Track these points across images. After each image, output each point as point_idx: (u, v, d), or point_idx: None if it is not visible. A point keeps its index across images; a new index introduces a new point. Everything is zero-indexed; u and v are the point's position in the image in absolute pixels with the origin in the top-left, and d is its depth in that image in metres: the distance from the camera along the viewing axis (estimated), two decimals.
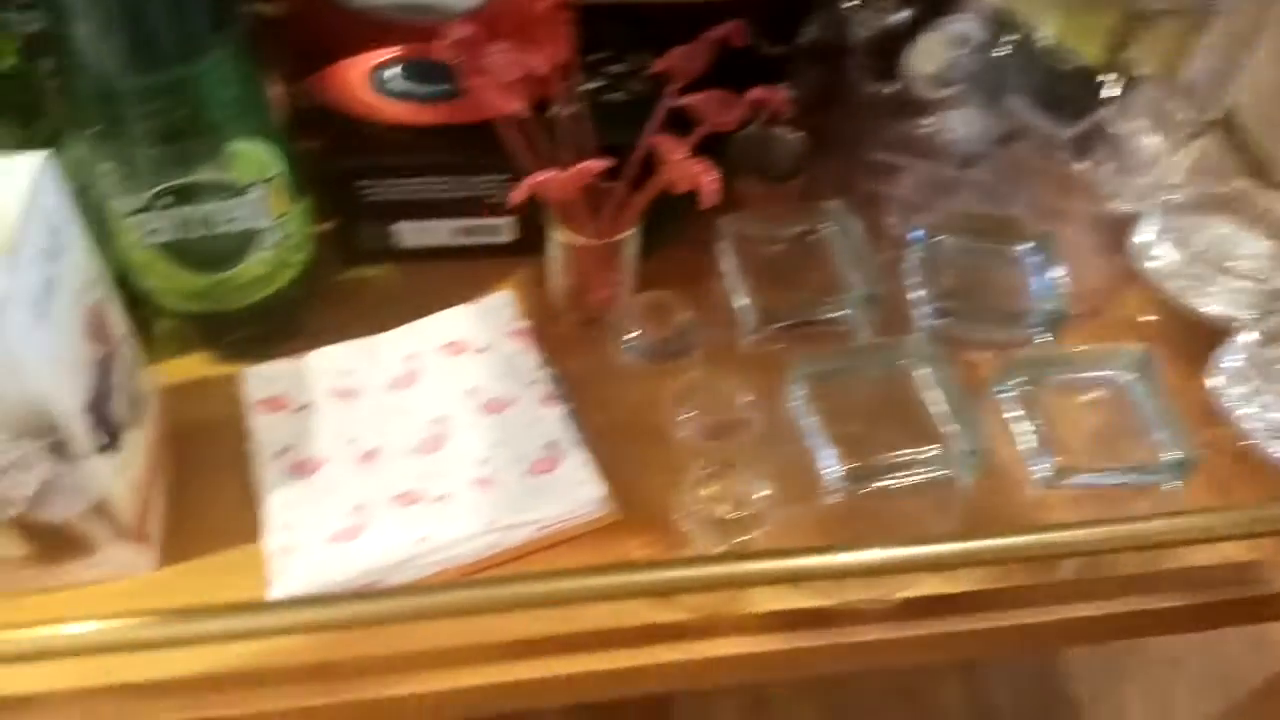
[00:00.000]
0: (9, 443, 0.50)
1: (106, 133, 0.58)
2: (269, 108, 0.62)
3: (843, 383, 0.58)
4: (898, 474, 0.54)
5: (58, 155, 0.62)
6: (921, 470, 0.54)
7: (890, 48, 0.76)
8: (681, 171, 0.58)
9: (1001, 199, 0.80)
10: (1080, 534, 0.49)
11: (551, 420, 0.66)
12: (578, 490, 0.62)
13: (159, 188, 0.59)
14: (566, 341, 0.74)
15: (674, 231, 0.80)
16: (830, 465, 0.53)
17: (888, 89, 0.79)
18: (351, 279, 0.80)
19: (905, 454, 0.54)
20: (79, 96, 0.57)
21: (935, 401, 0.57)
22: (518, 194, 0.63)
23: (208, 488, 0.65)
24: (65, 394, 0.51)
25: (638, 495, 0.64)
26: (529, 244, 0.79)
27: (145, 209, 0.60)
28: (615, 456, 0.66)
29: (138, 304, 0.68)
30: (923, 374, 0.58)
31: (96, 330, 0.56)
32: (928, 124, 0.81)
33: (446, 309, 0.73)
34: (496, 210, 0.77)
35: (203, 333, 0.71)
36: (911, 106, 0.79)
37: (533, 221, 0.78)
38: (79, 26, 0.54)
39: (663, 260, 0.77)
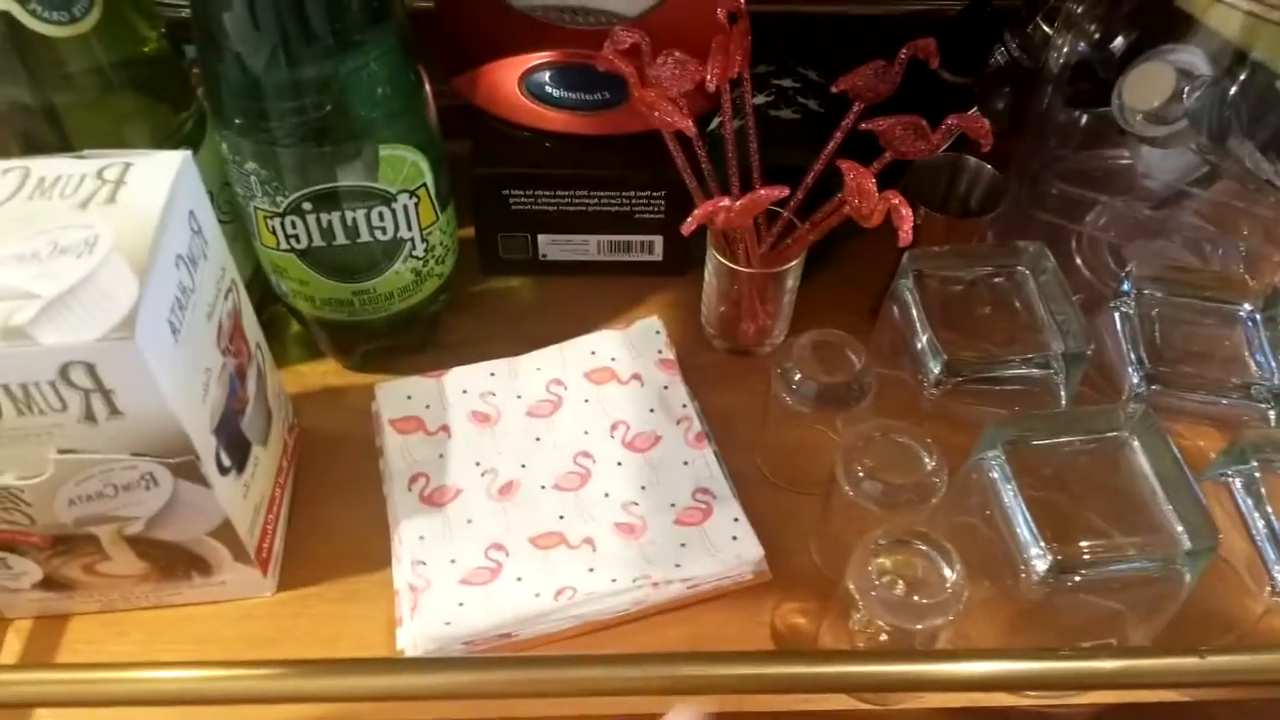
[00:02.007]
0: (131, 460, 0.46)
1: (250, 129, 0.53)
2: (424, 110, 0.58)
3: (1044, 452, 0.51)
4: (1108, 565, 0.47)
5: (200, 148, 0.59)
6: (1134, 562, 0.47)
7: (1091, 74, 0.69)
8: (873, 205, 0.52)
9: (1204, 245, 0.72)
10: None
11: (701, 463, 0.60)
12: (732, 548, 0.56)
13: (303, 192, 0.55)
14: (716, 373, 0.69)
15: (834, 259, 0.74)
16: (1033, 549, 0.47)
17: (1084, 117, 0.72)
18: (491, 289, 0.76)
19: (1117, 542, 0.47)
20: (224, 89, 0.53)
21: (1152, 483, 0.49)
22: (689, 225, 0.57)
23: (333, 506, 0.62)
24: (196, 414, 0.47)
25: (792, 552, 0.59)
26: (678, 263, 0.74)
27: (287, 213, 0.56)
28: (768, 506, 0.61)
29: (269, 302, 0.65)
30: (1137, 449, 0.51)
31: (230, 341, 0.52)
32: (1121, 156, 0.74)
33: (591, 331, 0.68)
34: (648, 228, 0.72)
35: (336, 340, 0.67)
36: (1103, 136, 0.72)
37: (684, 240, 0.73)
38: (227, 15, 0.49)
39: (821, 290, 0.71)
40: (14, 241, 0.43)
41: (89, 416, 0.43)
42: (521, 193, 0.70)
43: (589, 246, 0.73)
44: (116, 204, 0.45)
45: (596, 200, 0.70)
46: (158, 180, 0.46)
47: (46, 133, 0.54)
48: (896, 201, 0.51)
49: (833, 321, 0.62)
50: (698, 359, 0.69)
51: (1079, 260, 0.74)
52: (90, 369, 0.42)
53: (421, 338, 0.69)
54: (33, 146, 0.54)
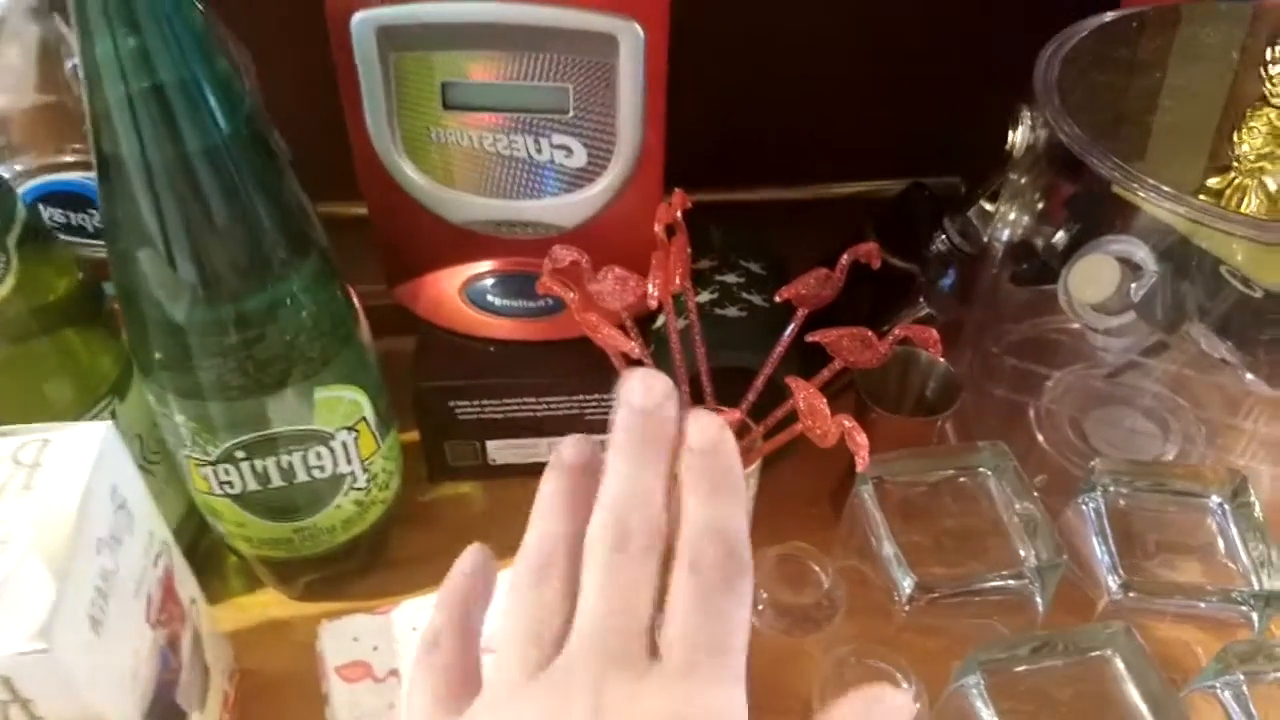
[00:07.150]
0: None
1: (177, 380, 0.51)
2: (358, 343, 0.56)
3: (1025, 675, 0.49)
4: None
5: (128, 394, 0.56)
6: None
7: (1034, 255, 0.69)
8: (826, 426, 0.51)
9: (1162, 415, 0.72)
10: None
11: None
12: None
13: (235, 440, 0.53)
14: None
15: (788, 449, 0.72)
16: None
17: (1030, 291, 0.72)
18: (440, 498, 0.73)
19: None
20: (145, 334, 0.50)
21: (1137, 702, 0.47)
22: None
23: None
24: (123, 703, 0.44)
25: None
26: None
27: (219, 461, 0.54)
28: None
29: (204, 533, 0.62)
30: (1120, 668, 0.49)
31: (161, 610, 0.49)
32: (1071, 323, 0.74)
33: None
34: (599, 428, 0.70)
35: (278, 573, 0.64)
36: (1050, 307, 0.72)
37: None
38: (143, 255, 0.46)
39: (778, 482, 0.69)
40: None
41: None
42: (468, 403, 0.68)
43: (539, 449, 0.71)
44: (32, 491, 0.42)
45: (545, 405, 0.69)
46: (77, 460, 0.43)
47: None
48: (850, 425, 0.50)
49: (793, 516, 0.61)
50: None
51: (1040, 436, 0.73)
52: (6, 681, 0.38)
53: (367, 561, 0.66)
54: None
